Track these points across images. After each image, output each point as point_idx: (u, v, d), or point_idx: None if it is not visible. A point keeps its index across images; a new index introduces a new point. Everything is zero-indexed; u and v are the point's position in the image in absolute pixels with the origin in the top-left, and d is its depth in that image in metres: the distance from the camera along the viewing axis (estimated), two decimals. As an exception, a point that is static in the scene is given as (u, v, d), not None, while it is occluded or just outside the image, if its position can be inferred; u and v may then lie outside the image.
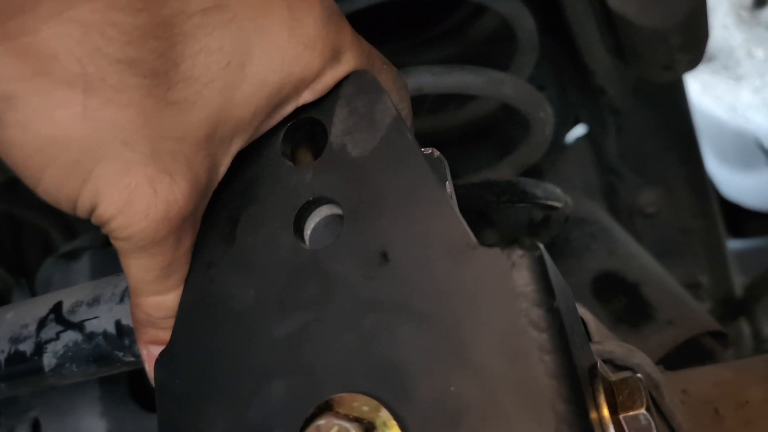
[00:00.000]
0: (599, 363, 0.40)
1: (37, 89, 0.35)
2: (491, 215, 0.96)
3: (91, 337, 0.53)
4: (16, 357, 0.54)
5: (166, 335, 0.43)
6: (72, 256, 0.83)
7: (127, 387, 0.77)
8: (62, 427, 0.75)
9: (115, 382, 0.76)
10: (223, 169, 0.41)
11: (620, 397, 0.38)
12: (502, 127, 1.10)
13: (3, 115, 0.36)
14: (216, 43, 0.38)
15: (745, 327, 1.19)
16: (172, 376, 0.42)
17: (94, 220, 0.39)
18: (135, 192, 0.37)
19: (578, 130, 1.24)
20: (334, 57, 0.42)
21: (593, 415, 0.36)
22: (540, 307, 0.35)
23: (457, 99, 1.02)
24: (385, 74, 0.45)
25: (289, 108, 0.42)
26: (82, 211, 0.39)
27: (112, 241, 0.40)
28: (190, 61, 0.38)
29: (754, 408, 0.53)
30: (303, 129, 0.44)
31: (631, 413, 0.37)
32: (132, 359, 0.52)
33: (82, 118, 0.36)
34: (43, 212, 1.12)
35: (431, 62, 0.73)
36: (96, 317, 0.53)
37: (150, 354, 0.44)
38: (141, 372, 0.78)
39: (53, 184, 0.38)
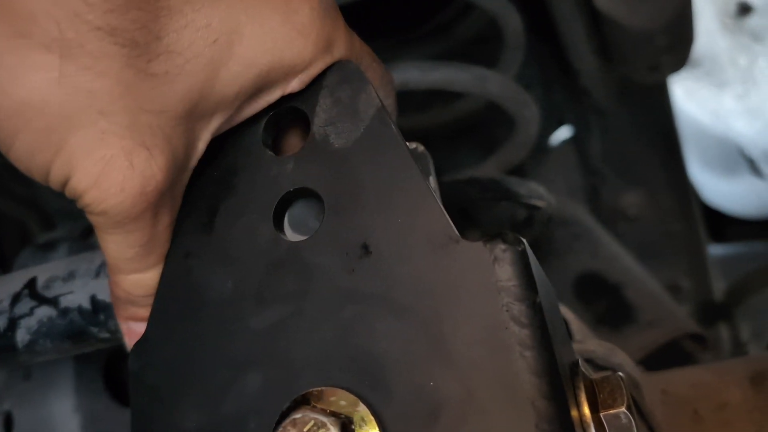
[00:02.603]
0: (580, 361, 0.39)
1: (12, 49, 0.34)
2: (474, 214, 0.96)
3: (65, 312, 0.52)
4: None
5: (145, 312, 0.42)
6: (50, 246, 0.82)
7: (103, 381, 0.76)
8: (35, 420, 0.74)
9: (90, 375, 0.75)
10: (201, 146, 0.41)
11: (601, 395, 0.37)
12: (487, 127, 1.10)
13: None
14: (204, 19, 0.37)
15: (724, 331, 1.20)
16: (147, 366, 0.41)
17: (67, 192, 0.38)
18: (110, 164, 0.36)
19: (563, 133, 1.24)
20: (327, 49, 0.41)
21: (574, 413, 0.35)
22: (522, 302, 0.34)
23: (444, 97, 1.01)
24: (372, 71, 0.45)
25: (275, 94, 0.42)
26: (54, 182, 0.37)
27: (88, 216, 0.39)
28: (174, 35, 0.37)
29: (734, 410, 0.53)
30: (285, 118, 0.44)
31: (611, 411, 0.37)
32: (107, 335, 0.52)
33: (58, 83, 0.35)
34: (20, 202, 1.10)
35: (420, 59, 0.73)
36: (71, 292, 0.52)
37: (130, 329, 0.43)
38: (117, 364, 0.77)
39: (25, 150, 0.36)
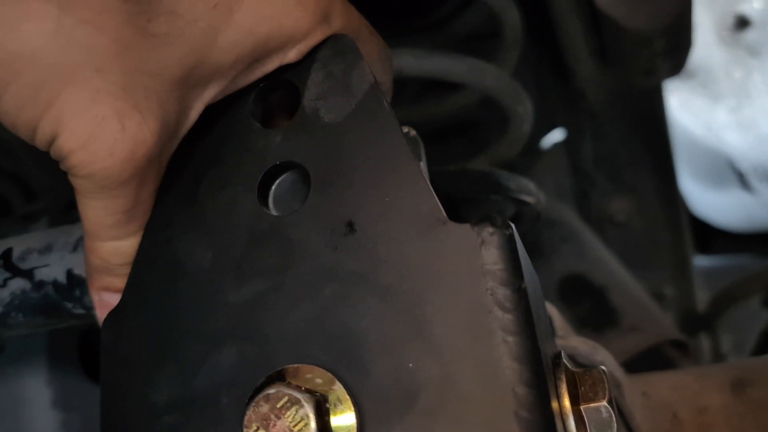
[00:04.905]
0: (563, 353, 0.38)
1: None
2: (462, 208, 0.95)
3: (40, 285, 0.50)
4: None
5: (121, 282, 0.41)
6: (30, 218, 0.80)
7: (77, 356, 0.75)
8: (6, 394, 0.73)
9: (64, 350, 0.74)
10: (194, 114, 0.39)
11: (582, 388, 0.37)
12: (480, 124, 1.10)
13: None
14: None
15: (705, 341, 1.20)
16: (120, 336, 0.40)
17: (53, 152, 0.36)
18: (101, 125, 0.35)
19: (555, 135, 1.24)
20: (324, 19, 0.40)
21: (554, 404, 0.35)
22: (507, 286, 0.34)
23: (438, 91, 1.00)
24: (370, 44, 0.44)
25: (272, 64, 0.40)
26: (41, 140, 0.36)
27: (71, 179, 0.37)
28: None
29: (713, 414, 0.53)
30: (276, 91, 0.43)
31: (592, 405, 0.36)
32: (82, 311, 0.50)
33: (54, 35, 0.33)
34: (4, 177, 1.09)
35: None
36: (47, 265, 0.51)
37: (102, 301, 0.42)
38: (92, 340, 0.76)
39: (14, 104, 0.35)
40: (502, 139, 0.85)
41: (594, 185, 1.19)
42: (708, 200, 1.74)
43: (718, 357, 1.18)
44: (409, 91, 1.05)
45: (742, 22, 1.83)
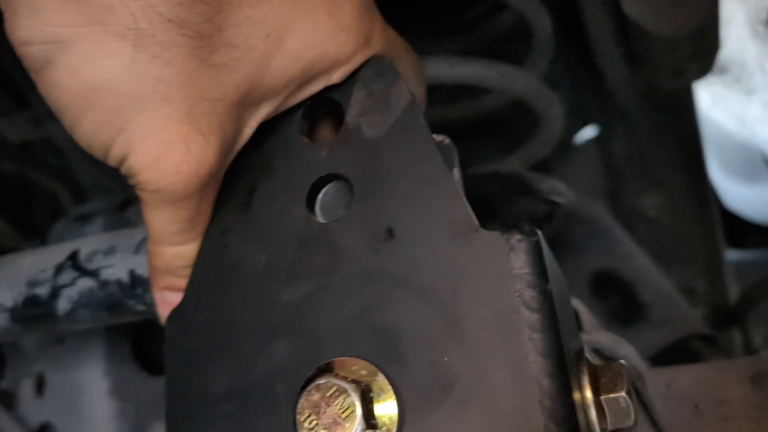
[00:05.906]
0: (586, 348, 0.42)
1: (90, 37, 0.37)
2: (496, 207, 0.98)
3: (105, 284, 0.55)
4: (32, 299, 0.57)
5: (181, 282, 0.45)
6: (85, 218, 0.85)
7: (132, 349, 0.79)
8: (66, 382, 0.77)
9: (120, 343, 0.78)
10: (248, 132, 0.44)
11: (603, 380, 0.40)
12: (512, 124, 1.12)
13: (55, 57, 0.38)
14: (259, 15, 0.40)
15: (736, 336, 1.21)
16: (182, 332, 0.44)
17: (123, 169, 0.41)
18: (169, 148, 0.39)
19: (588, 132, 1.26)
20: (366, 43, 0.44)
21: (576, 395, 0.38)
22: (533, 289, 0.37)
23: (471, 92, 1.03)
24: (406, 61, 0.48)
25: (319, 85, 0.44)
26: (113, 159, 0.41)
27: (139, 192, 0.42)
28: (233, 29, 0.40)
29: (733, 406, 0.55)
30: (321, 108, 0.46)
31: (611, 395, 0.39)
32: (143, 308, 0.55)
33: (129, 70, 0.38)
34: (54, 175, 1.14)
35: (449, 53, 0.75)
36: (111, 266, 0.55)
37: (164, 299, 0.46)
38: (146, 334, 0.81)
39: (91, 128, 0.39)
40: (534, 140, 0.88)
41: (626, 181, 1.20)
42: (740, 194, 1.74)
43: (750, 351, 1.19)
44: (443, 93, 1.08)
45: (777, 17, 1.82)
